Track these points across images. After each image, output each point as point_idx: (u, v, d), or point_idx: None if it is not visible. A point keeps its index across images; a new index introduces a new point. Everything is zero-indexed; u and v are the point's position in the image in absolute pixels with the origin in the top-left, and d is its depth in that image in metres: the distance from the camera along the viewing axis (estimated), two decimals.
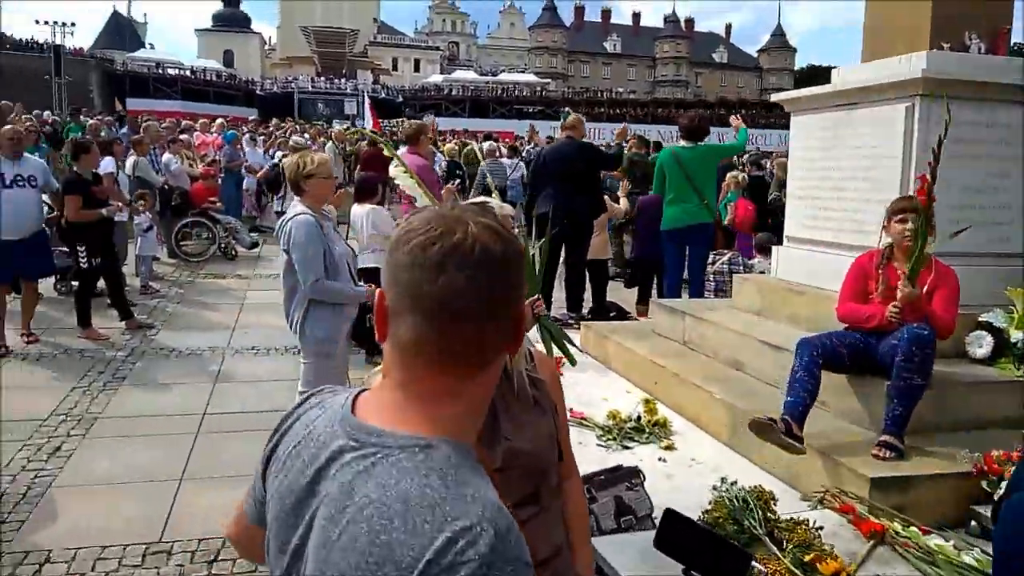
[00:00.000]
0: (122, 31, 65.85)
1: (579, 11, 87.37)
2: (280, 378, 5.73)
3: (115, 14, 69.79)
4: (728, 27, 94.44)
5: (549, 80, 71.51)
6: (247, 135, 12.96)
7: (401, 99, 57.79)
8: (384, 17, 78.42)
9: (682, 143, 6.03)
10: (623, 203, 7.19)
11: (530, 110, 59.65)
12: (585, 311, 6.49)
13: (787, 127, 4.79)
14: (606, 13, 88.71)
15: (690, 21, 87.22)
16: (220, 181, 10.50)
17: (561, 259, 6.28)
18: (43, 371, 5.72)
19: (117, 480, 4.00)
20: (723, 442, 3.55)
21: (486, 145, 14.50)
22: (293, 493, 0.91)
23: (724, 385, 3.85)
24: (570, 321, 6.30)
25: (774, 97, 5.03)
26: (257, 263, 10.21)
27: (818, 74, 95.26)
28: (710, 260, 6.69)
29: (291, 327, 3.91)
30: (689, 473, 3.22)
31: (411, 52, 75.60)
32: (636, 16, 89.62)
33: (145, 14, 79.89)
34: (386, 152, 5.42)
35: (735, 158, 10.24)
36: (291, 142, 12.20)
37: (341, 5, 68.57)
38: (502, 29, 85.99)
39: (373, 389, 0.97)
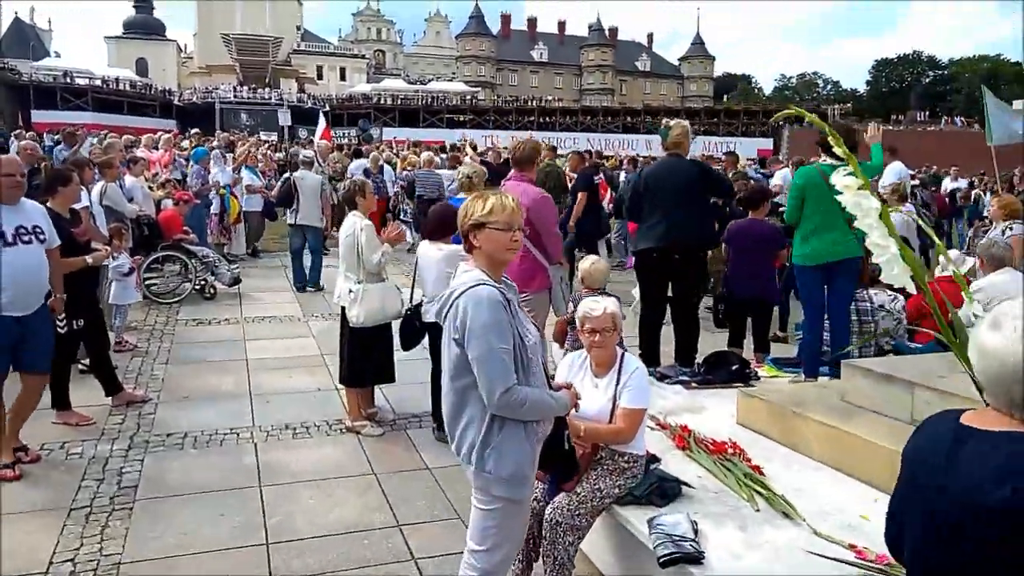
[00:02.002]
0: (25, 39, 60.82)
1: (505, 20, 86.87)
2: (347, 473, 4.41)
3: (16, 20, 64.54)
4: (650, 36, 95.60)
5: (479, 88, 70.57)
6: (215, 151, 11.28)
7: (327, 108, 55.75)
8: (308, 25, 75.77)
9: (829, 160, 4.93)
10: None
11: (461, 119, 58.74)
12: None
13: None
14: (532, 22, 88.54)
15: (613, 30, 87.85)
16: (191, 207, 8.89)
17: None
18: (20, 488, 4.19)
19: None
20: None
21: (424, 155, 13.36)
22: None
23: None
24: (683, 378, 5.20)
25: None
26: (242, 302, 8.68)
27: (735, 82, 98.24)
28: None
29: (460, 453, 2.61)
30: None
31: (336, 60, 73.12)
32: (562, 25, 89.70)
33: (50, 20, 74.18)
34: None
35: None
36: (301, 157, 10.80)
37: (263, 11, 65.59)
38: (428, 37, 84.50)
39: None
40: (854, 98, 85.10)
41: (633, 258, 6.52)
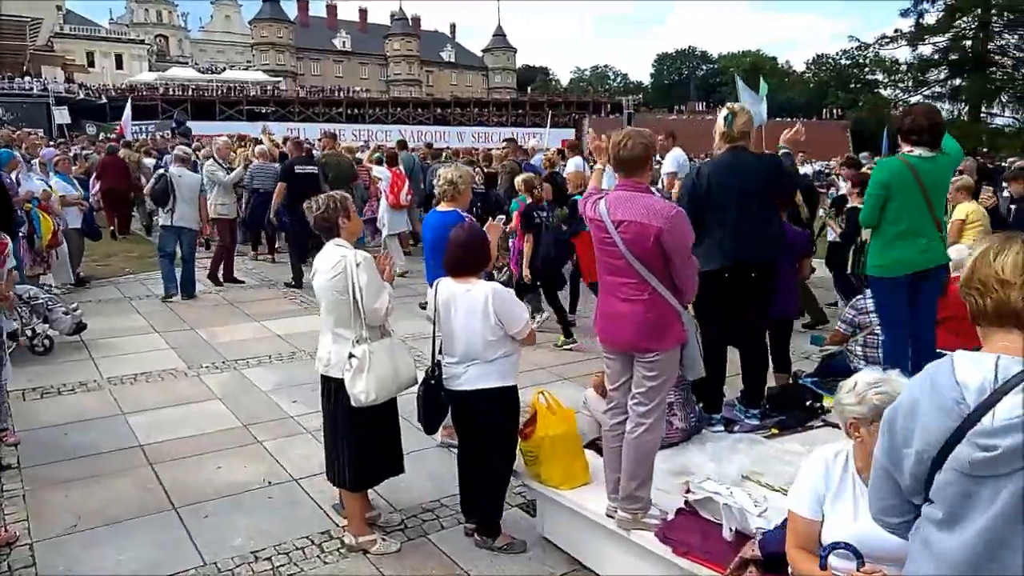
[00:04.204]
0: None
1: (303, 5, 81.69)
2: None
3: None
4: (453, 27, 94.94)
5: (280, 78, 66.10)
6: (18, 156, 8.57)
7: (105, 100, 49.23)
8: (71, 5, 66.42)
9: (917, 151, 4.12)
10: None
11: (263, 110, 54.71)
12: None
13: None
14: (332, 9, 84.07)
15: (416, 19, 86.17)
16: None
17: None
18: None
19: None
20: None
21: (258, 148, 11.79)
22: None
23: None
24: (752, 421, 4.27)
25: None
26: (92, 354, 6.52)
27: (535, 74, 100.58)
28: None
29: None
30: None
31: (110, 46, 64.72)
32: (363, 13, 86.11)
33: None
34: None
35: None
36: (176, 153, 9.30)
37: None
38: (216, 22, 77.43)
39: None
40: (640, 89, 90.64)
41: None
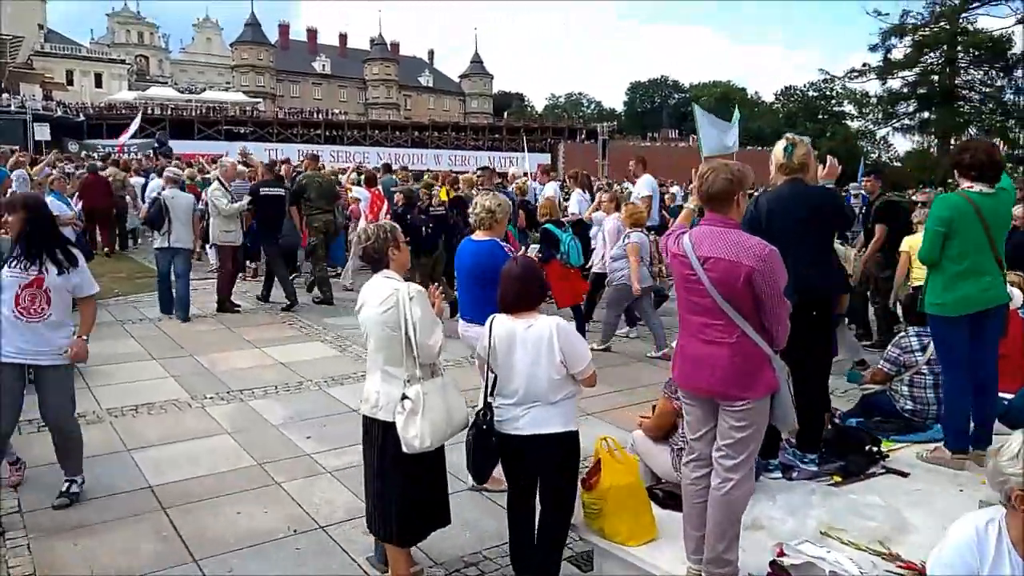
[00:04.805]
0: None
1: (284, 29, 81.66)
2: None
3: None
4: (431, 52, 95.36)
5: (260, 100, 65.69)
6: (18, 172, 8.20)
7: (83, 117, 48.54)
8: (52, 24, 65.56)
9: (977, 187, 4.02)
10: None
11: (241, 131, 54.22)
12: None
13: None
14: (312, 33, 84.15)
15: (396, 45, 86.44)
16: None
17: None
18: None
19: None
20: None
21: (228, 160, 11.74)
22: None
23: None
24: (810, 467, 4.06)
25: None
26: (87, 381, 6.11)
27: (511, 99, 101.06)
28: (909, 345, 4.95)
29: None
30: None
31: (90, 65, 63.87)
32: (343, 37, 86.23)
33: None
34: None
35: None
36: (166, 175, 9.13)
37: None
38: (197, 44, 76.94)
39: None
40: (614, 117, 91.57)
41: None
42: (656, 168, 10.25)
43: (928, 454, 4.29)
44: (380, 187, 11.33)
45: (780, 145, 4.10)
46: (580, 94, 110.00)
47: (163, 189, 8.77)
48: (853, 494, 3.82)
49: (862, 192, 10.70)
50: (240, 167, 11.58)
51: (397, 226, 3.50)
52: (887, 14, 45.95)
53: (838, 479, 3.97)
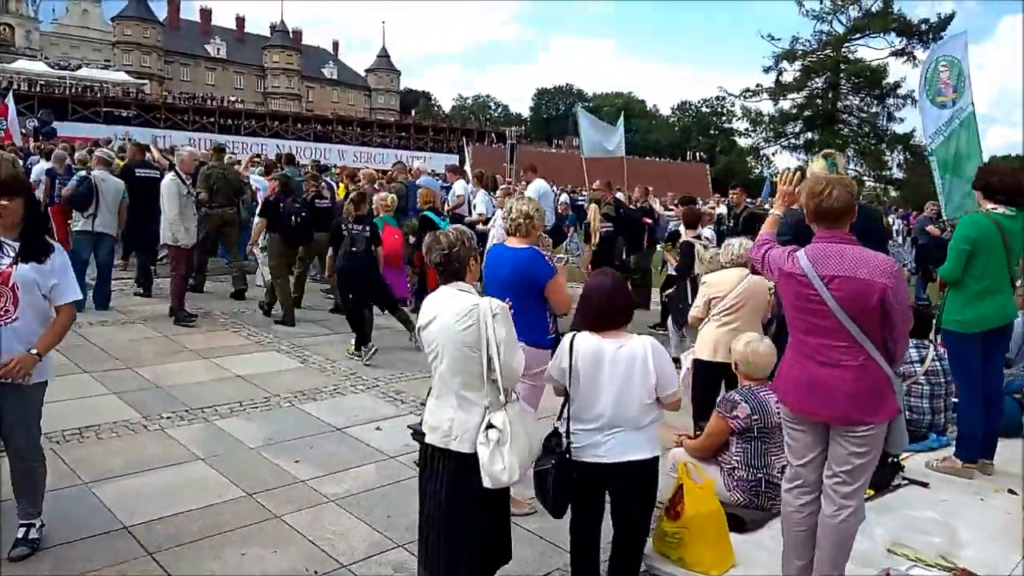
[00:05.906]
0: None
1: (173, 6, 76.62)
2: None
3: None
4: (336, 44, 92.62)
5: (145, 81, 61.61)
6: None
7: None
8: None
9: (1000, 209, 4.16)
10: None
11: (124, 114, 50.70)
12: None
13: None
14: (206, 13, 79.30)
15: (298, 33, 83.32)
16: None
17: None
18: None
19: None
20: None
21: (98, 152, 10.35)
22: None
23: None
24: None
25: None
26: None
27: (417, 98, 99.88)
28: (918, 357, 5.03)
29: None
30: None
31: None
32: (240, 21, 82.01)
33: None
34: None
35: None
36: (96, 154, 8.66)
37: None
38: (72, 16, 71.04)
39: None
40: (521, 121, 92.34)
41: None
42: (562, 175, 11.10)
43: (939, 464, 4.50)
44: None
45: (820, 162, 4.11)
46: (487, 96, 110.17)
47: (91, 170, 8.25)
48: (905, 509, 3.92)
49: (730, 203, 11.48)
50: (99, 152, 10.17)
51: (470, 232, 3.10)
52: (779, 38, 48.94)
53: (870, 492, 3.95)
